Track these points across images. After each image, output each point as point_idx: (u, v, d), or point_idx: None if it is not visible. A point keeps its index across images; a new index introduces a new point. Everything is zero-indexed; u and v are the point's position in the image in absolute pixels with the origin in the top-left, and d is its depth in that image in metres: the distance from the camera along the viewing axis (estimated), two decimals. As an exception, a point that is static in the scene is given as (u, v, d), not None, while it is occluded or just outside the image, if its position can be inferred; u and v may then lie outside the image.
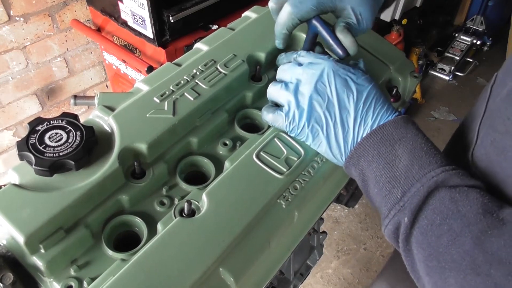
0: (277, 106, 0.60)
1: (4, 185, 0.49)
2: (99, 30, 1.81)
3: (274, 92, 0.59)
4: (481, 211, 0.44)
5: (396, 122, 0.52)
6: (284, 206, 0.54)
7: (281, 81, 0.59)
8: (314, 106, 0.54)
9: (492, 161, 0.52)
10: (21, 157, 0.50)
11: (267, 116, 0.59)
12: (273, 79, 0.71)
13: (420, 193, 0.47)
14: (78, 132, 0.52)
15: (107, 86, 2.13)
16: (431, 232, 0.45)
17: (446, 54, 3.09)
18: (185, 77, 0.63)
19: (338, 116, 0.54)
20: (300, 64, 0.57)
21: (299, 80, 0.56)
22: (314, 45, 0.62)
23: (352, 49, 0.57)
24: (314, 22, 0.57)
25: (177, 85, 0.62)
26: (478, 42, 3.11)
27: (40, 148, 0.50)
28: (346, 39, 0.57)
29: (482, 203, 0.45)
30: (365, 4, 0.57)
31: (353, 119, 0.53)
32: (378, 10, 0.61)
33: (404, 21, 2.50)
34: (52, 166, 0.49)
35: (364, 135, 0.53)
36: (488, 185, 0.52)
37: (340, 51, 0.56)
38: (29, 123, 0.52)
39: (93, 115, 0.58)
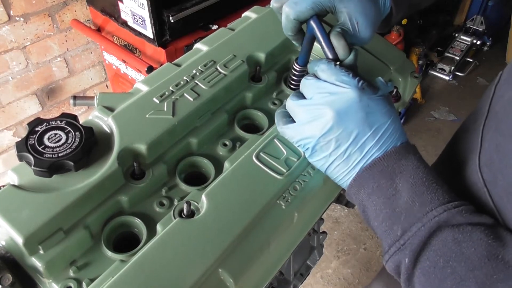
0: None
1: (3, 186, 0.49)
2: (99, 30, 1.81)
3: (291, 106, 0.56)
4: (485, 254, 0.43)
5: (397, 152, 0.51)
6: (283, 207, 0.54)
7: (301, 96, 0.56)
8: (329, 132, 0.52)
9: (496, 167, 0.51)
10: (20, 158, 0.50)
11: (278, 124, 0.58)
12: (273, 80, 0.71)
13: (421, 233, 0.46)
14: (77, 133, 0.52)
15: (107, 86, 2.13)
16: (434, 274, 0.45)
17: (446, 54, 3.09)
18: (184, 78, 0.63)
19: (346, 150, 0.52)
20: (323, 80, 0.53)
21: (319, 102, 0.52)
22: (312, 45, 0.61)
23: (343, 55, 0.55)
24: (311, 22, 0.56)
25: (176, 85, 0.61)
26: (478, 42, 3.11)
27: (39, 149, 0.50)
28: (338, 44, 0.54)
29: (487, 244, 0.43)
30: (363, 13, 0.55)
31: (361, 155, 0.51)
32: (378, 23, 0.59)
33: (404, 21, 2.50)
34: (51, 167, 0.49)
35: (365, 165, 0.51)
36: (492, 192, 0.52)
37: (330, 55, 0.55)
38: (28, 124, 0.52)
39: (92, 116, 0.58)
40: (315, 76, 0.54)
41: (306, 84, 0.55)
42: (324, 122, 0.51)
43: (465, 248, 0.44)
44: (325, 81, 0.53)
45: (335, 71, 0.52)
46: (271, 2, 0.61)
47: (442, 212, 0.46)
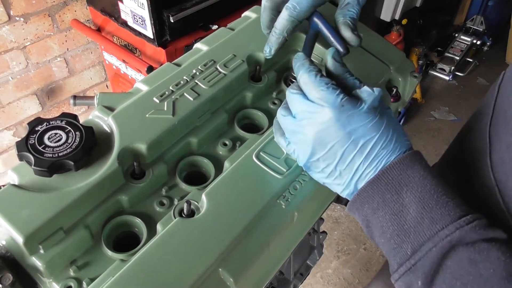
0: None
1: (4, 186, 0.49)
2: (99, 30, 1.81)
3: (281, 120, 0.54)
4: (504, 275, 0.41)
5: (401, 162, 0.47)
6: (283, 206, 0.54)
7: (289, 109, 0.53)
8: (314, 153, 0.50)
9: (507, 167, 0.51)
10: (21, 158, 0.50)
11: (275, 134, 0.57)
12: (273, 79, 0.71)
13: (432, 254, 0.43)
14: (77, 133, 0.52)
15: (107, 86, 2.13)
16: None
17: (446, 54, 3.09)
18: (184, 77, 0.63)
19: (335, 168, 0.50)
20: (304, 95, 0.50)
21: (301, 124, 0.50)
22: (314, 43, 0.61)
23: (355, 42, 0.54)
24: (315, 19, 0.56)
25: (176, 85, 0.61)
26: (478, 42, 3.11)
27: (40, 148, 0.50)
28: (347, 33, 0.54)
29: (505, 263, 0.41)
30: None
31: (351, 173, 0.49)
32: None
33: (404, 21, 2.50)
34: (52, 167, 0.49)
35: (365, 182, 0.49)
36: (503, 193, 0.51)
37: (341, 49, 0.54)
38: (29, 124, 0.52)
39: (92, 115, 0.58)
40: (299, 88, 0.52)
41: (290, 98, 0.52)
42: (307, 143, 0.50)
43: (482, 270, 0.42)
44: (306, 97, 0.50)
45: (315, 84, 0.49)
46: (263, 1, 0.60)
47: (454, 230, 0.43)
